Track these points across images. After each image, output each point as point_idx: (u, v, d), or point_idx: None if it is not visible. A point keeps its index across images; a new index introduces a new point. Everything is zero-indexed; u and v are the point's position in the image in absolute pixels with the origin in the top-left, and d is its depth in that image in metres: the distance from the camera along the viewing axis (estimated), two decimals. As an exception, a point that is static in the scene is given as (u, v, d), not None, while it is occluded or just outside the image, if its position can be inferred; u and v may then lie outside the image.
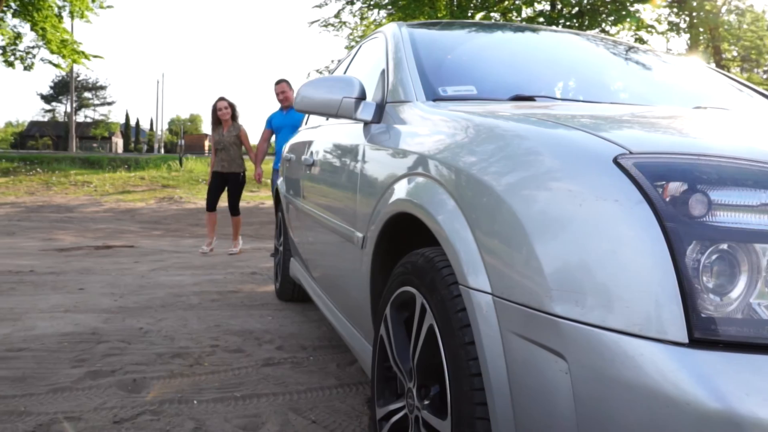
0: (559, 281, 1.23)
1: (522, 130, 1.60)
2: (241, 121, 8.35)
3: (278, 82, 7.76)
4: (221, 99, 8.23)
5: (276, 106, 7.71)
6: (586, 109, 2.14)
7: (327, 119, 3.61)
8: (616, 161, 1.25)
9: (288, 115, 7.55)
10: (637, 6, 14.33)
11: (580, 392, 1.16)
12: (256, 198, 16.08)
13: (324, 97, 2.62)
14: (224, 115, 8.11)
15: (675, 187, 1.17)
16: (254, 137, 8.65)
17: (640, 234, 1.15)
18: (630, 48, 3.45)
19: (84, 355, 3.54)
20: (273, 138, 7.98)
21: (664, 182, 1.18)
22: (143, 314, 4.54)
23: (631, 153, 1.26)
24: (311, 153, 3.63)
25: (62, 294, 5.17)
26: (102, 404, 2.87)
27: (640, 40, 15.08)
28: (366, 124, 2.63)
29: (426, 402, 1.70)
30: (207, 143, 61.10)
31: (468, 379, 1.44)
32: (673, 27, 17.13)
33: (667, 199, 1.16)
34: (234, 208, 8.32)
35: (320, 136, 3.61)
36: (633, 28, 14.89)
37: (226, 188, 8.28)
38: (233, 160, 8.16)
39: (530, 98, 2.42)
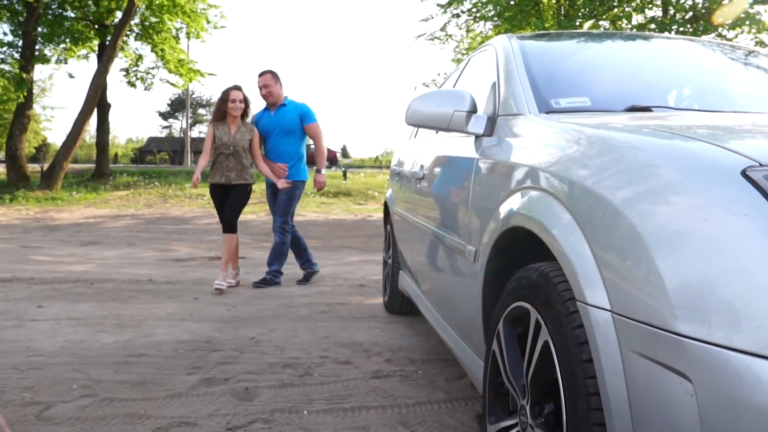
0: (683, 299, 1.19)
1: (637, 141, 1.57)
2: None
3: (261, 74, 6.45)
4: (237, 88, 6.21)
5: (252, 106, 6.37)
6: (706, 118, 2.07)
7: (437, 132, 3.61)
8: (744, 174, 1.20)
9: (277, 115, 6.41)
10: (757, 8, 13.72)
11: (708, 416, 1.11)
12: (363, 210, 16.24)
13: (435, 110, 2.62)
14: (236, 109, 6.10)
15: (811, 202, 1.11)
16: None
17: (773, 251, 1.09)
18: (750, 52, 3.31)
19: (199, 363, 3.66)
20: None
21: (798, 196, 1.13)
22: (255, 324, 4.64)
23: (761, 165, 1.20)
24: (421, 166, 3.63)
25: (178, 303, 5.37)
26: (216, 411, 2.95)
27: (762, 44, 14.44)
28: (477, 137, 2.61)
29: (540, 420, 1.67)
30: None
31: (585, 398, 1.41)
32: (800, 28, 16.27)
33: (802, 214, 1.11)
34: (230, 224, 6.21)
35: (430, 149, 3.61)
36: (753, 31, 14.26)
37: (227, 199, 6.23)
38: (244, 170, 6.15)
39: (646, 109, 2.36)
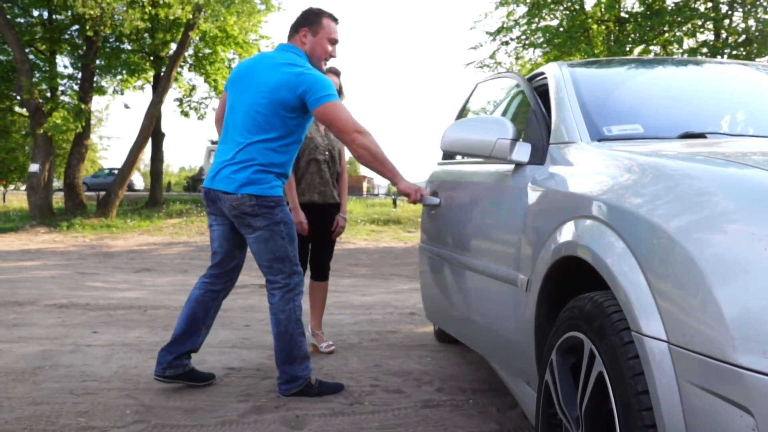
0: (742, 329, 1.16)
1: (691, 169, 1.55)
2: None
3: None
4: (333, 72, 4.42)
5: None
6: (762, 144, 2.04)
7: (476, 160, 3.59)
8: None
9: None
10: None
11: (770, 451, 1.09)
12: (413, 238, 16.22)
13: (476, 138, 2.62)
14: None
15: None
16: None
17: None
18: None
19: (249, 390, 3.68)
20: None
21: None
22: (306, 352, 4.64)
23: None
24: (461, 194, 3.61)
25: (229, 330, 5.40)
26: (266, 439, 2.96)
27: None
28: (520, 165, 2.60)
29: (595, 452, 1.64)
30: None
31: (641, 431, 1.38)
32: None
33: None
34: (326, 268, 4.73)
35: (470, 177, 3.57)
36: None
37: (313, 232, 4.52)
38: (334, 184, 4.61)
39: (700, 135, 2.33)
